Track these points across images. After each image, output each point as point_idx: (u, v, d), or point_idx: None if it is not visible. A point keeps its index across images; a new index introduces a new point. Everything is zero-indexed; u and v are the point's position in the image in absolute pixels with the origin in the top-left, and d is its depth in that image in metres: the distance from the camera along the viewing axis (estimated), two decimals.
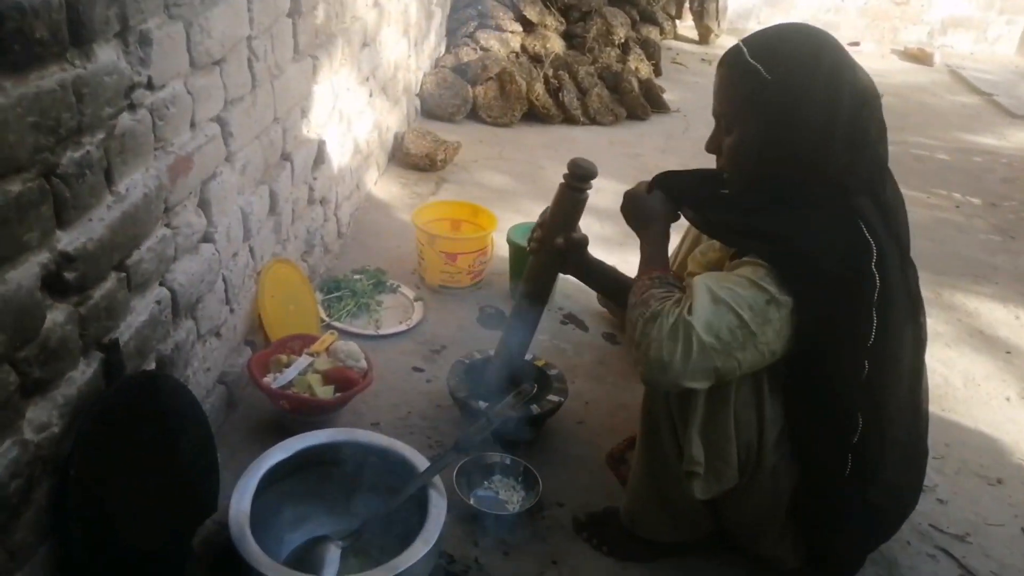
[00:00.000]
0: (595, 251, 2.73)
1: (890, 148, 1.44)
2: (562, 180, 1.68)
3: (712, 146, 1.47)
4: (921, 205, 3.48)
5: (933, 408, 2.15)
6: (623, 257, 2.76)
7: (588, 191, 1.68)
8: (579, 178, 1.66)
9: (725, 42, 5.94)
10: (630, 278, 1.69)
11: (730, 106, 1.41)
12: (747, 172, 1.42)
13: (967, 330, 2.61)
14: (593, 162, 1.66)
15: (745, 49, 1.37)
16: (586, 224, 1.76)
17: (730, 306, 1.26)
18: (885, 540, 1.59)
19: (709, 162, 1.52)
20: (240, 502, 1.36)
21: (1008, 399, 2.29)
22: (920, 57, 6.20)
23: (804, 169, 1.34)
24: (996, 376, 2.39)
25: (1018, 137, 4.63)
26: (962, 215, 3.51)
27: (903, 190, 1.49)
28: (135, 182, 1.32)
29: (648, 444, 1.55)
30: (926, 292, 2.69)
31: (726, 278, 1.33)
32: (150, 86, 1.34)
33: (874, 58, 6.20)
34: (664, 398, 1.46)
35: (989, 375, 2.39)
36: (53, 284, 1.13)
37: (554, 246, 1.69)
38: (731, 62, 1.40)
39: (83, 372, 1.23)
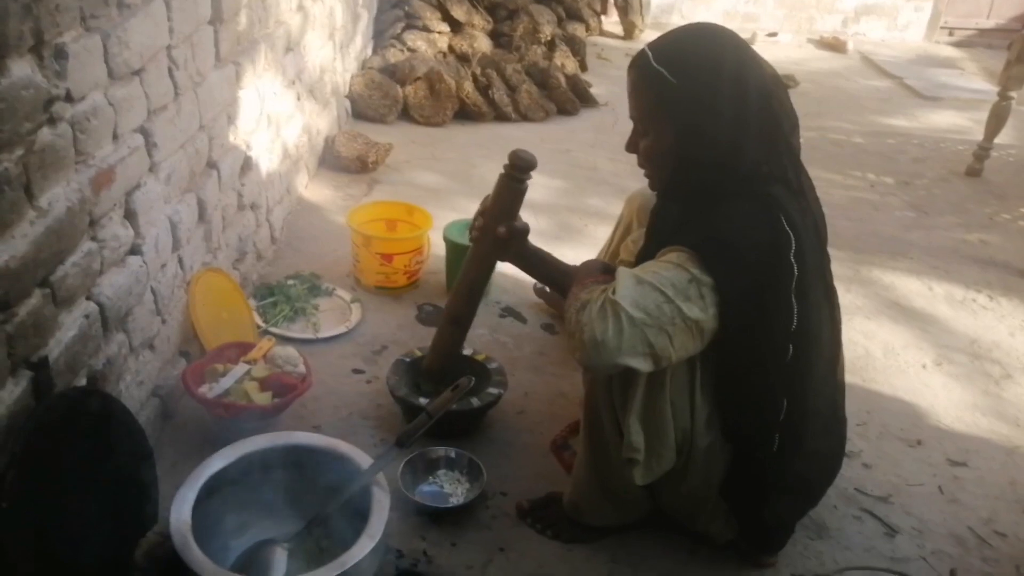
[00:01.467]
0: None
1: (808, 134, 1.50)
2: (503, 170, 1.72)
3: (631, 147, 1.52)
4: (839, 187, 3.62)
5: (855, 378, 2.28)
6: (559, 250, 2.78)
7: (528, 181, 1.73)
8: (520, 169, 1.70)
9: (649, 36, 6.07)
10: (568, 265, 1.74)
11: (642, 111, 1.45)
12: (666, 171, 1.47)
13: (885, 303, 2.75)
14: (533, 153, 1.71)
15: (650, 54, 1.40)
16: (521, 217, 1.80)
17: (654, 285, 1.30)
18: (812, 507, 1.67)
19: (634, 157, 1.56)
20: (181, 512, 1.36)
21: (924, 366, 2.42)
22: (835, 45, 6.44)
23: (720, 166, 1.39)
24: (913, 345, 2.52)
25: (928, 118, 4.85)
26: (877, 194, 3.66)
27: (822, 173, 1.57)
28: (57, 196, 1.31)
29: (590, 435, 1.59)
30: (845, 270, 2.86)
31: (650, 263, 1.38)
32: (69, 99, 1.32)
33: (791, 48, 6.42)
34: (606, 389, 1.50)
35: (907, 344, 2.52)
36: None
37: (496, 234, 1.73)
38: (638, 67, 1.43)
39: (11, 391, 1.22)
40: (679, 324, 1.31)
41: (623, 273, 1.34)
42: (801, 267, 1.37)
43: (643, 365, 1.31)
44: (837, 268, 1.57)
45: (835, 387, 1.60)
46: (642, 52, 1.43)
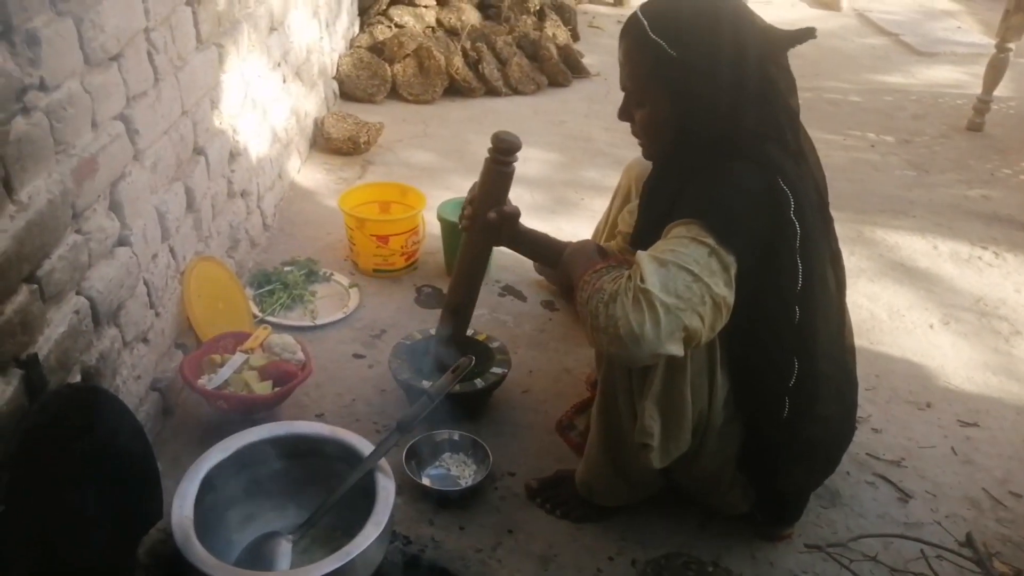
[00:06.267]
0: (527, 219, 2.71)
1: (805, 95, 1.45)
2: (487, 155, 1.68)
3: (624, 115, 1.47)
4: (838, 147, 3.57)
5: (862, 341, 2.25)
6: (555, 225, 2.78)
7: (514, 164, 1.69)
8: (504, 152, 1.66)
9: (640, 3, 5.97)
10: (564, 243, 1.69)
11: (637, 81, 1.40)
12: (663, 141, 1.43)
13: (889, 264, 2.71)
14: (516, 134, 1.67)
15: (646, 22, 1.34)
16: (516, 193, 1.76)
17: (678, 265, 1.24)
18: (827, 476, 1.65)
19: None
20: (182, 507, 1.33)
21: (931, 326, 2.39)
22: (829, 3, 6.33)
23: (717, 132, 1.35)
24: (919, 305, 2.49)
25: (925, 74, 4.78)
26: (877, 154, 3.61)
27: (821, 134, 1.52)
28: (37, 189, 1.27)
29: (604, 417, 1.56)
30: (848, 231, 2.82)
31: (664, 243, 1.31)
32: (43, 87, 1.28)
33: (784, 8, 6.30)
34: (625, 372, 1.46)
35: (912, 305, 2.49)
36: None
37: (487, 221, 1.69)
38: (632, 37, 1.37)
39: (3, 391, 1.19)
40: (708, 303, 1.24)
41: (643, 257, 1.27)
42: (803, 225, 1.34)
43: (679, 350, 1.25)
44: (839, 229, 1.53)
45: (844, 350, 1.56)
46: (636, 20, 1.37)
